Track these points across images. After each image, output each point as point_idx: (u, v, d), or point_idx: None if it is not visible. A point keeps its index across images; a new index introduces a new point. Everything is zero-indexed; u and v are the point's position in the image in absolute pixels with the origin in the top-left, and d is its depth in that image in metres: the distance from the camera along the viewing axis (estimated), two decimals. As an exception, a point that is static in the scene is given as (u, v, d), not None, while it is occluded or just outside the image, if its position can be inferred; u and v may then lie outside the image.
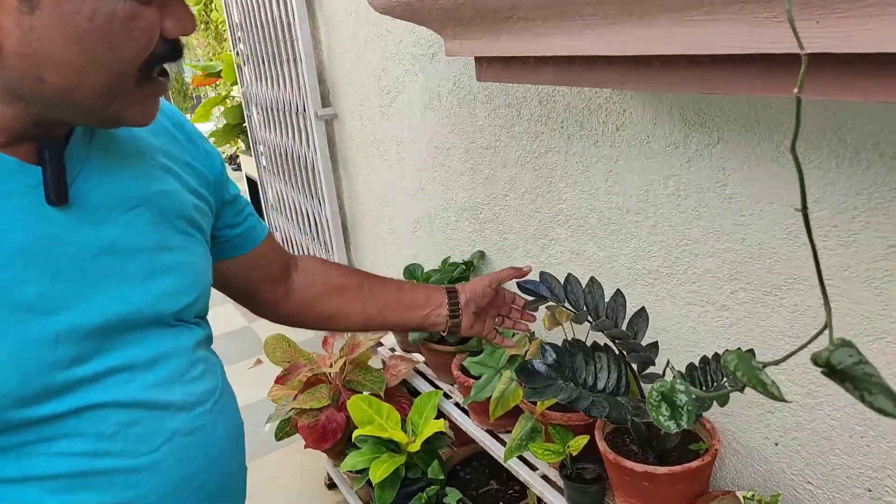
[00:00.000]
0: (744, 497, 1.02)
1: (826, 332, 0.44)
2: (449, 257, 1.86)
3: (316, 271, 1.01)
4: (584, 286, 1.11)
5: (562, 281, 1.13)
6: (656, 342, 1.13)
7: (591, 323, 1.07)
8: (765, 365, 0.50)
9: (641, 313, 1.13)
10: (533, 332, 1.48)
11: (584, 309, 1.07)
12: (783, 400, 0.47)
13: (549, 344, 1.02)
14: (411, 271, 1.81)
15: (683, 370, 1.08)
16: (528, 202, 1.55)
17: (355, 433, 1.62)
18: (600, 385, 1.03)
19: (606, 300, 1.11)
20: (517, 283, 1.14)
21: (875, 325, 0.92)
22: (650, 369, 1.12)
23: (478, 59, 1.12)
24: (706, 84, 0.75)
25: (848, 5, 0.54)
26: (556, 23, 0.85)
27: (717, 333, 1.17)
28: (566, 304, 1.08)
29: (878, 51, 0.55)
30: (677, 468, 1.06)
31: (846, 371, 0.38)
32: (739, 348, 0.50)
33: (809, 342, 0.51)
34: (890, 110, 0.83)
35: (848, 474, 1.01)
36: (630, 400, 1.02)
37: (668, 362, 0.63)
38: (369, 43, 2.09)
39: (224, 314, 3.63)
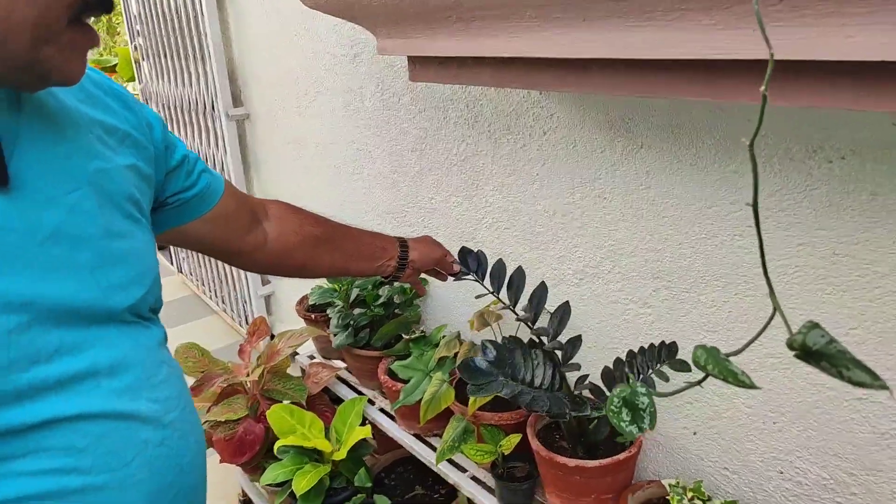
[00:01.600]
0: (669, 485, 1.06)
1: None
2: (372, 261, 1.83)
3: (289, 221, 1.02)
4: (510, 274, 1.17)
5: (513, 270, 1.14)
6: (579, 336, 1.17)
7: (516, 314, 1.09)
8: (728, 355, 0.53)
9: (564, 306, 1.16)
10: (459, 333, 1.49)
11: (507, 290, 1.11)
12: (755, 387, 0.50)
13: (489, 341, 1.02)
14: (333, 280, 1.77)
15: (612, 365, 1.12)
16: (453, 205, 1.56)
17: (277, 444, 1.56)
18: (537, 381, 1.05)
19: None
20: (461, 249, 1.22)
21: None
22: (574, 362, 1.15)
23: (411, 59, 1.11)
24: (643, 88, 0.78)
25: (786, 15, 0.58)
26: (496, 24, 0.86)
27: (639, 330, 1.22)
28: (486, 283, 1.13)
29: (809, 58, 0.60)
30: (607, 461, 1.10)
31: (821, 351, 0.40)
32: (705, 345, 0.52)
33: (761, 332, 0.54)
34: (800, 118, 0.90)
35: (762, 459, 1.08)
36: (565, 395, 1.04)
37: (617, 360, 0.64)
38: (286, 41, 2.03)
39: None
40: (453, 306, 1.67)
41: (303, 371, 1.90)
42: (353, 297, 1.66)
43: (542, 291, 1.15)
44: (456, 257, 1.22)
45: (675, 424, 1.21)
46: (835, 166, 0.89)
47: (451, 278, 1.23)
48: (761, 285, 1.01)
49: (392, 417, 1.59)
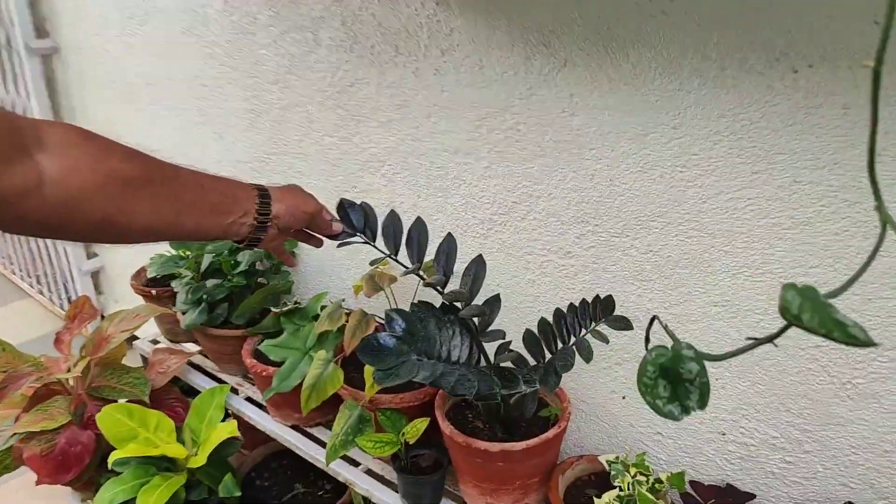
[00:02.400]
0: (608, 462, 0.91)
1: None
2: (228, 221, 1.51)
3: (82, 152, 0.65)
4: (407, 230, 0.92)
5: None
6: (498, 295, 0.97)
7: (422, 277, 0.87)
8: (829, 296, 0.35)
9: (478, 262, 0.95)
10: (343, 300, 1.24)
11: (406, 249, 0.88)
12: (872, 344, 0.32)
13: (396, 310, 0.79)
14: (177, 246, 1.44)
15: (535, 329, 0.94)
16: (330, 147, 1.29)
17: (112, 456, 1.23)
18: (454, 355, 0.84)
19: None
20: (340, 200, 0.93)
21: (735, 260, 0.86)
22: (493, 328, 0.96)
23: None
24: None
25: None
26: None
27: (559, 284, 1.05)
28: (378, 244, 0.89)
29: None
30: (534, 441, 0.92)
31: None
32: (796, 284, 0.33)
33: (871, 259, 0.37)
34: (759, 17, 0.75)
35: (700, 420, 0.96)
36: (489, 370, 0.84)
37: (653, 319, 0.47)
38: (101, -51, 1.61)
39: None
40: (333, 270, 1.42)
41: (145, 360, 1.55)
42: (205, 265, 1.34)
43: (450, 246, 0.93)
44: (335, 214, 0.91)
45: (602, 389, 1.06)
46: (800, 76, 0.75)
47: (328, 242, 0.93)
48: (707, 223, 0.87)
49: (262, 407, 1.32)
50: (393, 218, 0.94)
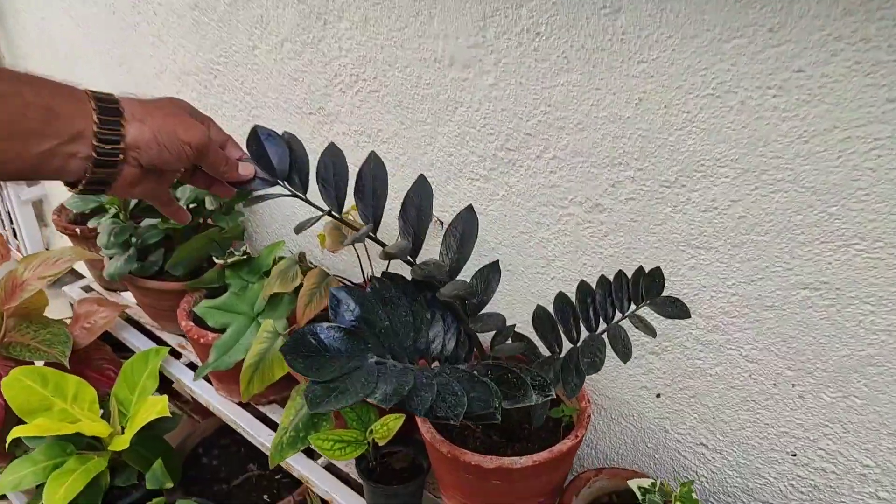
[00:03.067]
0: (640, 489, 0.68)
1: None
2: (169, 147, 1.23)
3: None
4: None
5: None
6: (496, 263, 0.72)
7: (380, 243, 0.61)
8: None
9: (466, 217, 0.67)
10: (304, 254, 0.99)
11: (357, 199, 0.60)
12: None
13: (344, 288, 0.53)
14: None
15: (551, 308, 0.69)
16: (289, 56, 1.01)
17: (15, 431, 0.99)
18: (434, 349, 0.59)
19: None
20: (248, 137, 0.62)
21: (844, 226, 0.61)
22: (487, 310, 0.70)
23: None
24: None
25: None
26: None
27: (583, 247, 0.80)
28: (310, 198, 0.61)
29: None
30: (543, 455, 0.69)
31: None
32: None
33: None
34: None
35: (765, 434, 0.73)
36: (484, 370, 0.59)
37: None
38: None
39: None
40: (292, 213, 1.15)
41: (73, 311, 1.31)
42: (134, 201, 1.08)
43: (422, 195, 0.64)
44: (244, 148, 0.61)
45: (630, 383, 0.83)
46: None
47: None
48: (806, 173, 0.61)
49: (208, 379, 1.09)
50: (333, 154, 0.64)
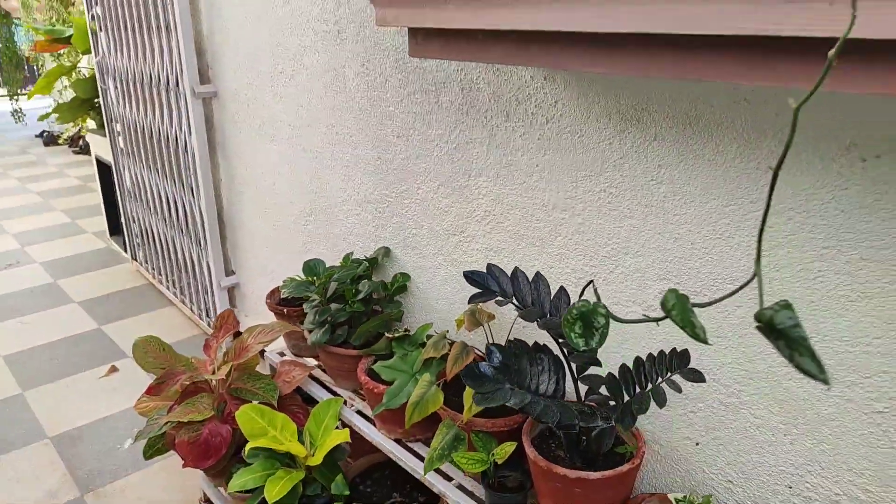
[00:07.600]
0: (675, 500, 1.00)
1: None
2: (352, 253, 1.73)
3: None
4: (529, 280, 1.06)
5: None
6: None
7: (539, 322, 1.01)
8: (696, 306, 0.53)
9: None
10: (447, 332, 1.41)
11: (532, 306, 1.01)
12: (706, 342, 0.50)
13: (495, 345, 0.94)
14: (311, 267, 1.66)
15: (617, 373, 1.05)
16: (442, 196, 1.47)
17: (247, 446, 1.45)
18: (542, 389, 0.97)
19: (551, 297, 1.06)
20: (464, 273, 1.07)
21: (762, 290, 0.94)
22: (591, 370, 1.08)
23: (413, 32, 1.02)
24: (684, 69, 0.71)
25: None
26: (518, -6, 0.78)
27: (642, 335, 1.16)
28: (514, 300, 1.02)
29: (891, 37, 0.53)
30: (610, 472, 1.03)
31: (784, 331, 0.43)
32: (677, 291, 0.52)
33: (734, 292, 0.48)
34: (833, 111, 0.84)
35: (769, 472, 1.03)
36: (573, 404, 0.97)
37: (589, 283, 0.64)
38: (262, 13, 1.91)
39: (68, 315, 3.19)
40: (438, 304, 1.59)
41: (272, 369, 1.79)
42: (330, 291, 1.56)
43: (563, 298, 1.07)
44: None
45: (677, 434, 1.15)
46: (868, 165, 0.84)
47: (434, 279, 1.10)
48: (779, 292, 0.95)
49: (370, 420, 1.50)
50: (517, 276, 1.11)
